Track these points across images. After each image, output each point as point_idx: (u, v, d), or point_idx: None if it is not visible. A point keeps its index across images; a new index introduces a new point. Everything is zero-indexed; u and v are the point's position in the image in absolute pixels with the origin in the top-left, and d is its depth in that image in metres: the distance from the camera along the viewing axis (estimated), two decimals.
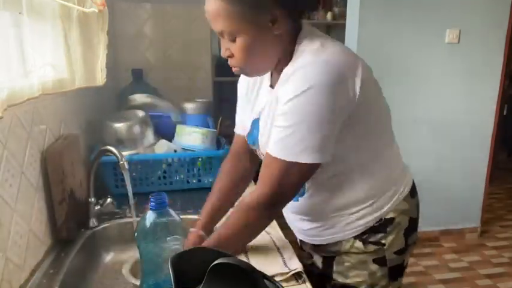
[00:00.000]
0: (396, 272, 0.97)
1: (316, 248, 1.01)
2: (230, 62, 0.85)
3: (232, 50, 0.82)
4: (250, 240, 0.94)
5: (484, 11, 2.58)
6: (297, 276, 0.89)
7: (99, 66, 1.27)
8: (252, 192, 0.86)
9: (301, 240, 1.07)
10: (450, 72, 2.64)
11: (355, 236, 0.93)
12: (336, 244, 0.96)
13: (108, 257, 1.15)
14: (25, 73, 0.79)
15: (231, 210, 0.99)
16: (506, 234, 3.05)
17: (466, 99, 2.71)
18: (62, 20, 0.98)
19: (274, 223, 1.15)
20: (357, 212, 0.91)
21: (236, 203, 0.99)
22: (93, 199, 1.13)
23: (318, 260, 1.03)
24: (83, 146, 1.33)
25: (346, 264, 0.95)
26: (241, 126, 1.05)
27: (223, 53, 0.84)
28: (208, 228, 0.98)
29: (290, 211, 0.99)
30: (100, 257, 1.13)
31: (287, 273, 0.88)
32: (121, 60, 2.13)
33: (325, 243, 0.97)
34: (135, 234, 0.77)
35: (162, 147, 1.45)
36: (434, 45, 2.57)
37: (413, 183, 1.01)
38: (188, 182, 1.45)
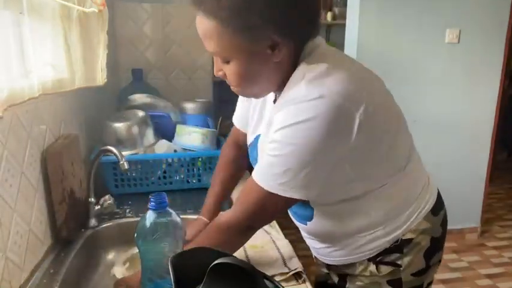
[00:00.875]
0: None
1: (329, 266, 0.97)
2: (227, 80, 0.79)
3: (226, 72, 0.76)
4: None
5: (484, 11, 2.58)
6: (297, 276, 0.89)
7: (99, 66, 1.27)
8: (225, 213, 0.82)
9: (315, 257, 1.03)
10: (450, 72, 2.64)
11: (369, 259, 0.87)
12: (349, 266, 0.90)
13: (108, 257, 1.15)
14: (25, 73, 0.78)
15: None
16: (506, 234, 3.05)
17: (466, 99, 2.71)
18: (62, 20, 0.98)
19: (274, 223, 1.15)
20: (369, 235, 0.85)
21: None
22: (93, 199, 1.13)
23: (333, 276, 0.98)
24: (83, 146, 1.33)
25: (358, 283, 0.89)
26: (239, 120, 1.05)
27: (216, 73, 0.77)
28: (214, 217, 0.95)
29: (301, 229, 0.96)
30: (100, 257, 1.13)
31: (287, 273, 0.88)
32: (121, 60, 2.13)
33: (336, 264, 0.93)
34: (135, 235, 0.77)
35: (162, 147, 1.45)
36: (434, 45, 2.57)
37: (438, 199, 0.94)
38: (188, 182, 1.45)
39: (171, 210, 0.77)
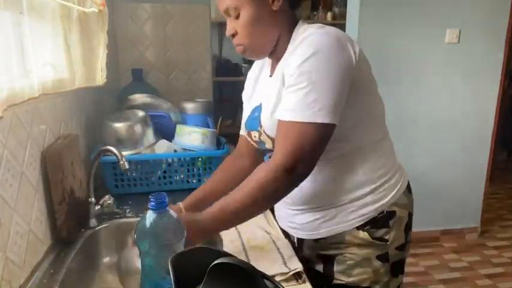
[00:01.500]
0: (397, 268, 0.97)
1: (316, 244, 0.98)
2: (234, 40, 0.90)
3: (237, 27, 0.88)
4: (262, 210, 0.87)
5: (484, 11, 2.58)
6: (297, 276, 0.89)
7: (99, 66, 1.27)
8: (266, 163, 0.85)
9: (298, 240, 1.04)
10: (450, 72, 2.64)
11: (358, 227, 0.92)
12: (337, 236, 0.94)
13: (108, 257, 1.15)
14: (25, 73, 0.79)
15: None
16: (506, 234, 3.05)
17: (466, 99, 2.71)
18: (62, 20, 0.98)
19: (274, 223, 1.15)
20: (360, 198, 0.91)
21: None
22: (93, 199, 1.13)
23: (317, 263, 1.01)
24: (83, 146, 1.33)
25: (349, 262, 0.94)
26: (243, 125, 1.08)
27: (228, 32, 0.90)
28: (190, 208, 0.99)
29: (288, 205, 0.98)
30: (100, 257, 1.13)
31: (287, 273, 0.88)
32: (121, 60, 2.14)
33: (326, 235, 0.95)
34: (135, 235, 0.77)
35: (162, 147, 1.45)
36: (434, 45, 2.57)
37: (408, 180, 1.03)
38: (188, 182, 1.45)
39: (171, 210, 0.77)
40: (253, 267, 0.60)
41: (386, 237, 0.93)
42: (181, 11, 2.16)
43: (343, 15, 3.04)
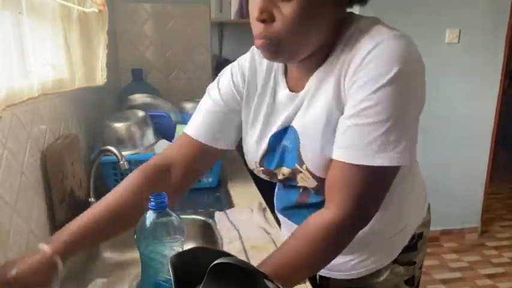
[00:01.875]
0: (418, 285, 0.93)
1: (348, 283, 0.86)
2: (267, 28, 0.62)
3: (284, 9, 0.60)
4: (326, 263, 0.69)
5: (484, 11, 2.58)
6: None
7: (99, 66, 1.27)
8: (325, 214, 0.65)
9: (321, 277, 0.90)
10: (450, 72, 2.64)
11: (393, 261, 0.83)
12: (373, 275, 0.83)
13: (108, 257, 1.15)
14: (25, 73, 0.79)
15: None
16: (506, 234, 3.05)
17: (466, 99, 2.71)
18: (62, 20, 0.97)
19: (274, 223, 1.15)
20: (398, 234, 0.81)
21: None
22: (93, 199, 1.13)
23: None
24: (83, 146, 1.33)
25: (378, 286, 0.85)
26: (205, 131, 0.82)
27: (263, 10, 0.61)
28: (69, 247, 0.69)
29: None
30: (100, 257, 1.13)
31: None
32: (121, 60, 2.13)
33: (361, 276, 0.84)
34: (135, 235, 0.77)
35: (162, 147, 1.44)
36: (434, 45, 2.57)
37: None
38: None
39: (170, 211, 0.77)
40: (254, 267, 0.60)
41: (414, 260, 0.86)
42: (181, 11, 2.15)
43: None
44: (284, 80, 0.75)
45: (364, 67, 0.61)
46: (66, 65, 1.01)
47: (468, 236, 2.96)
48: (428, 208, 0.90)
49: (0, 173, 0.75)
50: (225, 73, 0.89)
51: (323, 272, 0.88)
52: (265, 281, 0.63)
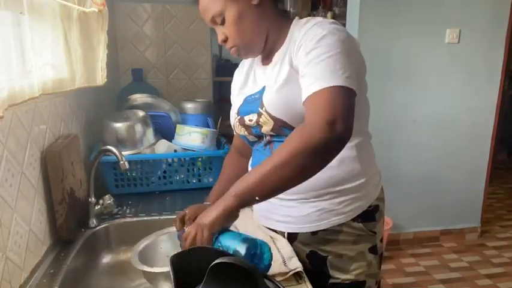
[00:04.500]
0: (381, 259, 1.03)
1: (312, 238, 0.98)
2: (227, 45, 0.93)
3: (225, 31, 0.91)
4: (298, 173, 0.78)
5: (484, 11, 2.58)
6: (297, 276, 0.89)
7: (99, 66, 1.27)
8: (300, 126, 0.80)
9: (290, 235, 1.02)
10: (450, 72, 2.64)
11: (353, 219, 0.96)
12: (336, 228, 0.95)
13: (108, 257, 1.15)
14: (25, 73, 0.78)
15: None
16: (506, 234, 3.05)
17: (466, 99, 2.71)
18: (62, 19, 0.98)
19: None
20: (356, 190, 0.95)
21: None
22: (93, 199, 1.13)
23: (306, 262, 1.00)
24: (83, 146, 1.33)
25: (345, 258, 0.96)
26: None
27: (220, 38, 0.93)
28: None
29: (286, 195, 0.95)
30: (100, 257, 1.13)
31: (287, 273, 0.88)
32: (121, 60, 2.14)
33: (326, 227, 0.96)
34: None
35: (162, 147, 1.45)
36: (434, 45, 2.57)
37: None
38: (188, 182, 1.45)
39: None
40: (254, 267, 0.60)
41: (374, 230, 0.99)
42: (181, 11, 2.15)
43: (343, 15, 3.04)
44: (259, 59, 1.03)
45: (304, 37, 0.86)
46: (66, 65, 1.01)
47: (468, 236, 2.96)
48: (382, 189, 1.05)
49: (0, 173, 0.75)
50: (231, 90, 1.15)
51: (291, 228, 1.00)
52: (266, 280, 0.63)
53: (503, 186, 4.02)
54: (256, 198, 0.80)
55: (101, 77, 1.28)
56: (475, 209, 2.94)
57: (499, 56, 2.67)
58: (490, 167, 2.88)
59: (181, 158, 1.43)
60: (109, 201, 1.14)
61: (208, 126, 1.65)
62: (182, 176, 1.44)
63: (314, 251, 0.99)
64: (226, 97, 3.82)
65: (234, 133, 1.13)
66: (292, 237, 1.02)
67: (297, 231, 1.00)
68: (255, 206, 1.09)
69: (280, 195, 0.95)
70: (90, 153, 1.40)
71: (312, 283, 0.92)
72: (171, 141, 1.48)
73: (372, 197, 0.99)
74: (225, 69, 3.15)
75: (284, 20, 0.96)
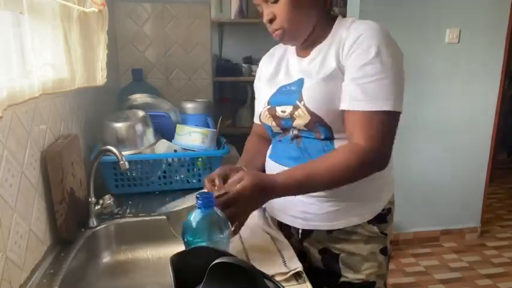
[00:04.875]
0: (389, 260, 1.05)
1: (327, 236, 1.00)
2: (273, 25, 0.92)
3: (276, 10, 0.89)
4: (340, 184, 0.90)
5: (484, 11, 2.58)
6: (297, 276, 0.89)
7: (100, 66, 1.27)
8: (348, 144, 0.88)
9: (304, 231, 1.03)
10: (450, 72, 2.64)
11: (368, 221, 0.98)
12: (350, 228, 0.98)
13: (108, 257, 1.15)
14: (25, 73, 0.78)
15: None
16: (506, 234, 3.05)
17: (466, 99, 2.71)
18: (62, 19, 0.98)
19: (274, 223, 1.14)
20: (374, 193, 0.98)
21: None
22: (93, 199, 1.13)
23: (318, 259, 1.03)
24: (83, 146, 1.33)
25: (357, 257, 0.98)
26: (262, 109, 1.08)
27: (267, 16, 0.91)
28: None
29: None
30: (100, 257, 1.13)
31: (287, 273, 0.88)
32: (121, 60, 2.14)
33: (343, 226, 0.98)
34: (182, 233, 0.77)
35: (162, 147, 1.45)
36: (434, 45, 2.57)
37: None
38: (188, 182, 1.45)
39: (217, 210, 0.77)
40: (254, 267, 0.60)
41: (386, 232, 1.01)
42: (181, 11, 2.15)
43: (343, 15, 3.05)
44: (294, 52, 1.02)
45: (357, 42, 0.86)
46: (66, 65, 1.01)
47: (468, 236, 2.96)
48: (392, 194, 1.07)
49: (0, 173, 0.75)
50: (256, 77, 1.16)
51: (306, 225, 1.01)
52: (265, 280, 0.63)
53: (503, 186, 4.02)
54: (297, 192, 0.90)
55: (101, 77, 1.28)
56: (475, 209, 2.94)
57: (499, 56, 2.67)
58: (490, 167, 2.88)
59: (181, 158, 1.43)
60: (109, 201, 1.14)
61: (208, 126, 1.64)
62: (182, 176, 1.44)
63: (327, 248, 1.01)
64: (226, 97, 3.83)
65: (255, 121, 1.16)
66: (306, 234, 1.04)
67: (313, 229, 1.01)
68: (271, 200, 1.08)
69: None
70: (90, 153, 1.40)
71: (322, 282, 0.94)
72: (171, 141, 1.48)
73: (386, 200, 1.01)
74: (225, 69, 3.16)
75: (329, 16, 0.96)
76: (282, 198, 0.96)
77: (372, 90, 0.84)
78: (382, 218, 1.00)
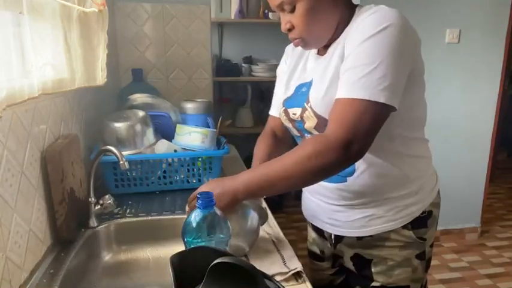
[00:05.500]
0: (428, 264, 1.00)
1: (358, 242, 0.97)
2: (291, 34, 0.87)
3: (293, 20, 0.85)
4: (301, 184, 0.86)
5: (484, 11, 2.58)
6: (296, 276, 0.89)
7: (100, 66, 1.27)
8: (317, 135, 0.84)
9: (336, 236, 1.02)
10: (450, 72, 2.64)
11: (403, 226, 0.93)
12: (383, 234, 0.93)
13: (108, 257, 1.15)
14: (25, 73, 0.78)
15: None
16: (506, 234, 3.05)
17: (466, 99, 2.71)
18: (62, 19, 0.98)
19: (274, 223, 1.15)
20: (408, 197, 0.92)
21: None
22: (93, 199, 1.13)
23: (350, 262, 1.01)
24: (83, 146, 1.33)
25: (390, 263, 0.95)
26: (279, 108, 1.04)
27: (284, 26, 0.87)
28: None
29: (332, 200, 0.96)
30: (100, 257, 1.13)
31: (287, 272, 0.88)
32: (121, 60, 2.13)
33: (373, 233, 0.94)
34: (182, 232, 0.77)
35: (162, 147, 1.45)
36: (434, 45, 2.57)
37: None
38: (188, 181, 1.45)
39: (217, 210, 0.78)
40: (254, 267, 0.60)
41: (425, 237, 0.95)
42: (181, 11, 2.15)
43: None
44: (315, 50, 0.96)
45: (357, 28, 0.79)
46: (66, 65, 1.01)
47: (468, 236, 2.96)
48: (438, 192, 1.00)
49: (0, 173, 0.75)
50: (281, 61, 1.11)
51: (338, 231, 0.99)
52: (265, 280, 0.63)
53: (503, 186, 4.01)
54: (262, 194, 0.89)
55: (101, 77, 1.28)
56: (475, 209, 2.94)
57: (499, 56, 2.67)
58: (490, 167, 2.88)
59: (181, 158, 1.43)
60: (109, 201, 1.14)
61: (208, 126, 1.64)
62: (182, 176, 1.44)
63: (359, 253, 0.98)
64: (226, 97, 3.84)
65: (271, 113, 1.12)
66: (338, 239, 1.02)
67: (343, 235, 0.99)
68: (304, 203, 1.10)
69: (327, 200, 0.98)
70: (90, 153, 1.40)
71: (355, 283, 0.96)
72: (171, 141, 1.48)
73: (426, 203, 0.95)
74: (225, 69, 3.16)
75: (349, 7, 0.88)
76: (311, 204, 1.01)
77: (354, 75, 0.76)
78: (422, 222, 0.94)
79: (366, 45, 0.76)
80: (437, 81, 2.62)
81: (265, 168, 0.83)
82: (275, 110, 1.10)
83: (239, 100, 3.35)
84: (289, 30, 0.87)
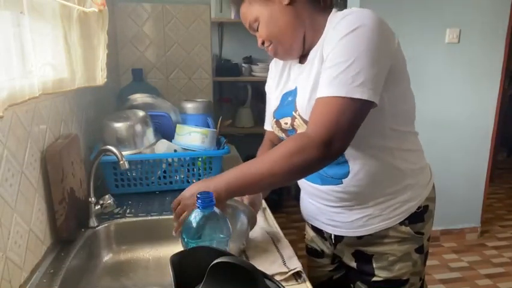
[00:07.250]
0: (426, 257, 1.04)
1: (358, 241, 1.00)
2: (265, 45, 0.93)
3: (261, 35, 0.91)
4: (283, 181, 0.84)
5: (484, 11, 2.58)
6: (296, 276, 0.89)
7: (100, 66, 1.27)
8: (297, 133, 0.86)
9: (336, 236, 1.04)
10: (450, 72, 2.64)
11: (400, 223, 0.95)
12: (382, 232, 0.96)
13: (108, 257, 1.15)
14: (25, 73, 0.78)
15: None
16: (506, 234, 3.05)
17: (466, 99, 2.71)
18: (62, 19, 0.98)
19: (274, 223, 1.15)
20: (403, 193, 0.94)
21: None
22: (93, 199, 1.13)
23: (351, 260, 1.03)
24: (83, 146, 1.33)
25: (391, 258, 0.97)
26: (271, 121, 1.07)
27: (259, 43, 0.94)
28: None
29: (330, 202, 0.98)
30: (100, 257, 1.13)
31: (286, 272, 0.88)
32: (121, 60, 2.14)
33: (372, 232, 0.96)
34: (182, 233, 0.77)
35: (162, 147, 1.45)
36: (434, 45, 2.57)
37: None
38: (188, 181, 1.45)
39: (217, 210, 0.77)
40: (254, 267, 0.60)
41: (422, 231, 0.98)
42: (181, 11, 2.16)
43: None
44: (297, 59, 0.99)
45: (332, 32, 0.81)
46: (66, 65, 1.01)
47: (468, 236, 2.96)
48: (433, 187, 1.02)
49: (0, 173, 0.75)
50: (267, 79, 1.14)
51: (337, 231, 1.01)
52: (265, 280, 0.63)
53: (503, 186, 4.01)
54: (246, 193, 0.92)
55: (101, 77, 1.28)
56: (475, 209, 2.94)
57: (499, 56, 2.67)
58: (490, 167, 2.88)
59: (181, 158, 1.43)
60: (109, 201, 1.14)
61: (208, 126, 1.65)
62: (182, 176, 1.44)
63: (359, 250, 1.01)
64: (226, 97, 3.83)
65: (266, 128, 1.16)
66: (338, 239, 1.04)
67: (343, 235, 1.02)
68: (302, 204, 1.12)
69: (325, 202, 0.99)
70: (90, 153, 1.40)
71: (356, 278, 0.99)
72: (171, 141, 1.48)
73: (421, 198, 0.97)
74: (225, 69, 3.16)
75: (321, 15, 0.90)
76: (310, 206, 1.03)
77: (331, 73, 0.78)
78: (418, 217, 0.97)
79: (341, 44, 0.78)
80: (438, 81, 2.62)
81: (247, 166, 0.84)
82: (268, 124, 1.12)
83: (239, 100, 3.35)
84: (263, 44, 0.93)
